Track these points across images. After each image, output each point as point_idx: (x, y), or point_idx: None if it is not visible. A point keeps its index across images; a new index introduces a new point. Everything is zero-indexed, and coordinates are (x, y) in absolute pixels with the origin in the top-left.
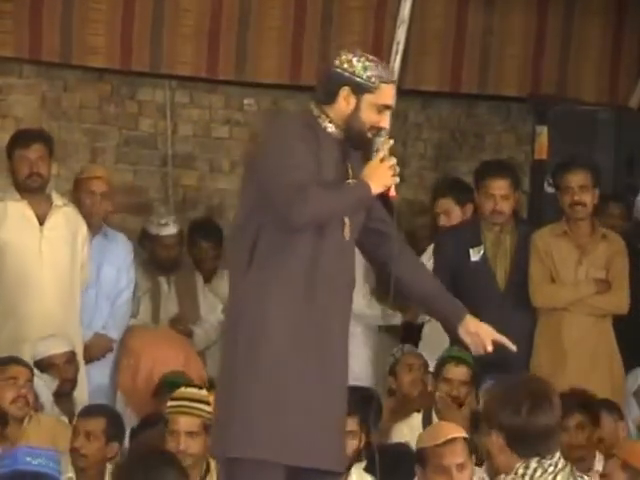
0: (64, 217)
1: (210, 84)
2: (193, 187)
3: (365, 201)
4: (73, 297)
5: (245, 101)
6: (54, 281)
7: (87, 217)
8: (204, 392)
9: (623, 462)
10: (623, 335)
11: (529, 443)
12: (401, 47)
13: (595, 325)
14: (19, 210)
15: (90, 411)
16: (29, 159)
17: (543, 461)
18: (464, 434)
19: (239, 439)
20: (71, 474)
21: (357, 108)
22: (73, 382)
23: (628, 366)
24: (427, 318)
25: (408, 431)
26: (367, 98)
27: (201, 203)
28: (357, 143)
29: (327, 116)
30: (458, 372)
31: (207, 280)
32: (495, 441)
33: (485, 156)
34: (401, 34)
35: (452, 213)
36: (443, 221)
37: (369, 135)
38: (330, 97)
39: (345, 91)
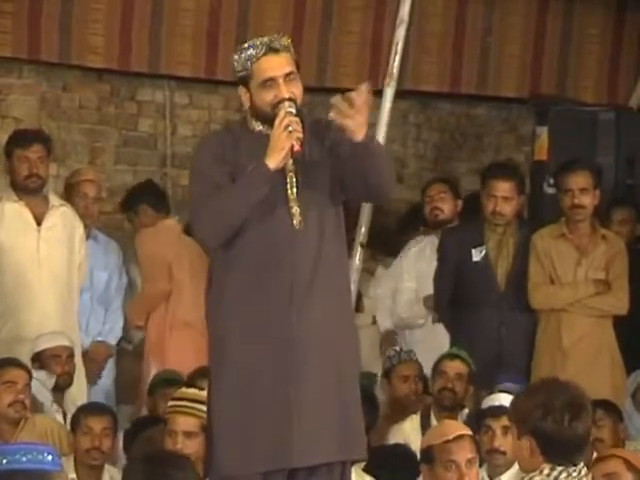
0: (61, 217)
1: (209, 85)
2: None
3: (262, 179)
4: (71, 297)
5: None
6: (52, 281)
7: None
8: (205, 393)
9: (627, 463)
10: (628, 337)
11: (566, 452)
12: (400, 47)
13: (595, 326)
14: (16, 211)
15: (101, 408)
16: (29, 159)
17: (569, 465)
18: (470, 432)
19: (208, 461)
20: (73, 475)
21: (252, 99)
22: (72, 377)
23: (634, 368)
24: (421, 322)
25: (406, 433)
26: (252, 85)
27: None
28: (269, 123)
29: (252, 116)
30: (453, 365)
31: None
32: (527, 446)
33: (485, 157)
34: (400, 34)
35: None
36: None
37: (276, 112)
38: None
39: (240, 90)
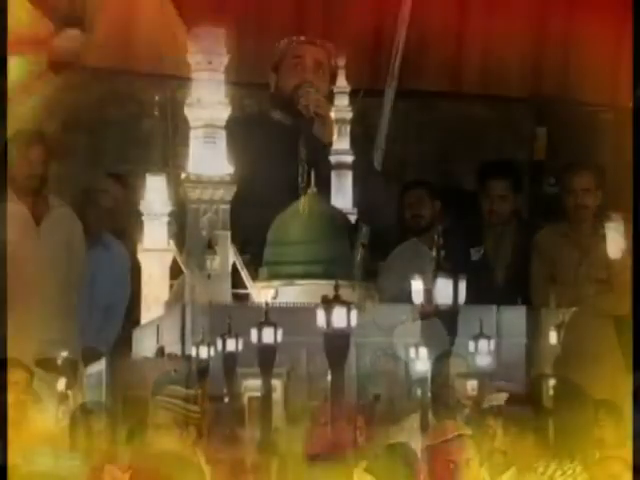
0: (60, 218)
1: (211, 85)
2: None
3: None
4: (70, 297)
5: (246, 102)
6: (50, 281)
7: (89, 227)
8: (189, 390)
9: (628, 463)
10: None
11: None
12: (401, 47)
13: (596, 325)
14: (16, 211)
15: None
16: (29, 160)
17: (563, 463)
18: (470, 432)
19: None
20: (77, 462)
21: (277, 81)
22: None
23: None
24: (404, 317)
25: (406, 432)
26: (282, 65)
27: None
28: (288, 108)
29: (273, 106)
30: (452, 363)
31: None
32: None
33: (485, 156)
34: (401, 33)
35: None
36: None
37: (296, 94)
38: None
39: (270, 78)
